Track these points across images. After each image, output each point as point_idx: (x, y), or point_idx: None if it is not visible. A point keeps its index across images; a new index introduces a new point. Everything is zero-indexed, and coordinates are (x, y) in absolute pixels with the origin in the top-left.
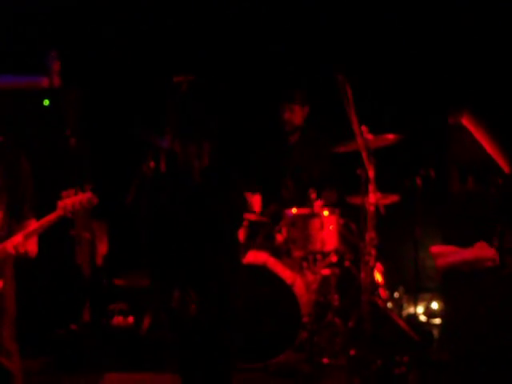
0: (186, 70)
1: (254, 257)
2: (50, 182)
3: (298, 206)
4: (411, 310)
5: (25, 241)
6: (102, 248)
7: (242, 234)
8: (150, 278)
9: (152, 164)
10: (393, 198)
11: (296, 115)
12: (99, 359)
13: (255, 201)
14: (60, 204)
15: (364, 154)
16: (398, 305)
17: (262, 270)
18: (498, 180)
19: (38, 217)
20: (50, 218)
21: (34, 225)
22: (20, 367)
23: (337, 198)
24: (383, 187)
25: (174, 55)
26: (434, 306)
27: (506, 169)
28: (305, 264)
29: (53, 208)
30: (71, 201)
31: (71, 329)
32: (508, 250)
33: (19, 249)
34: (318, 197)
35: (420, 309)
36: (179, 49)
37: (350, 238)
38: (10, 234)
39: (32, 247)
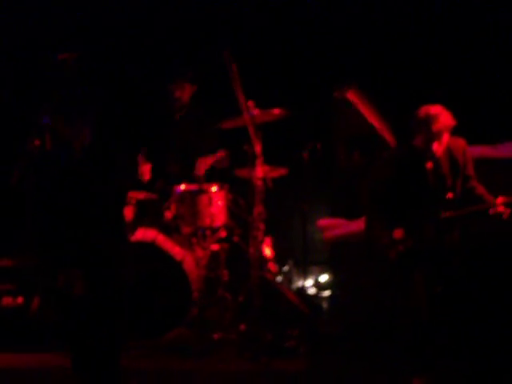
0: (71, 48)
1: (143, 234)
2: None
3: (187, 182)
4: (300, 283)
5: None
6: None
7: (130, 212)
8: (36, 258)
9: (37, 142)
10: (280, 171)
11: (186, 93)
12: None
13: (145, 169)
14: None
15: (251, 129)
16: (288, 278)
17: (151, 247)
18: (383, 153)
19: None
20: None
21: None
22: None
23: (229, 162)
24: (271, 161)
25: (59, 32)
26: (323, 278)
27: (390, 142)
28: (194, 240)
29: None
30: None
31: None
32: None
33: None
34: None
35: (309, 282)
36: (64, 26)
37: (238, 213)
38: None
39: None
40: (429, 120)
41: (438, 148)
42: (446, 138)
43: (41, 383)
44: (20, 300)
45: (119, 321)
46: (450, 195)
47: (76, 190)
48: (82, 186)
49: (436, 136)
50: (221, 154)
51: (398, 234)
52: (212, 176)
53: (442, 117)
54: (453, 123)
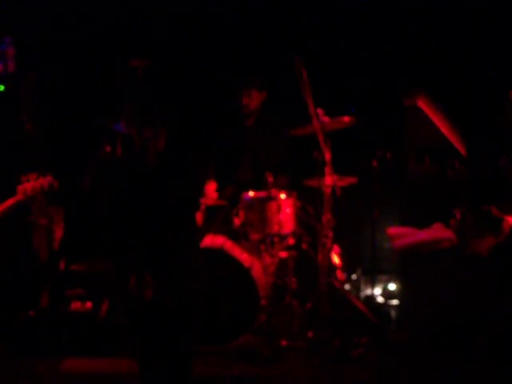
0: (143, 54)
1: (212, 240)
2: (5, 168)
3: (255, 189)
4: (369, 291)
5: None
6: (59, 233)
7: (199, 218)
8: (108, 262)
9: (108, 149)
10: (349, 180)
11: (253, 100)
12: (57, 345)
13: (210, 188)
14: (20, 188)
15: (320, 137)
16: (356, 286)
17: (219, 254)
18: (454, 162)
19: None
20: (10, 202)
21: None
22: None
23: (288, 183)
24: (340, 169)
25: (131, 39)
26: (392, 287)
27: (461, 151)
28: (262, 247)
29: (10, 194)
30: (31, 185)
31: (29, 315)
32: (470, 230)
33: None
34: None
35: (377, 290)
36: (136, 33)
37: (307, 220)
38: None
39: None
40: None
41: None
42: None
43: None
44: (89, 305)
45: (189, 327)
46: None
47: (149, 195)
48: (155, 191)
49: None
50: (280, 176)
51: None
52: (280, 183)
53: None
54: None
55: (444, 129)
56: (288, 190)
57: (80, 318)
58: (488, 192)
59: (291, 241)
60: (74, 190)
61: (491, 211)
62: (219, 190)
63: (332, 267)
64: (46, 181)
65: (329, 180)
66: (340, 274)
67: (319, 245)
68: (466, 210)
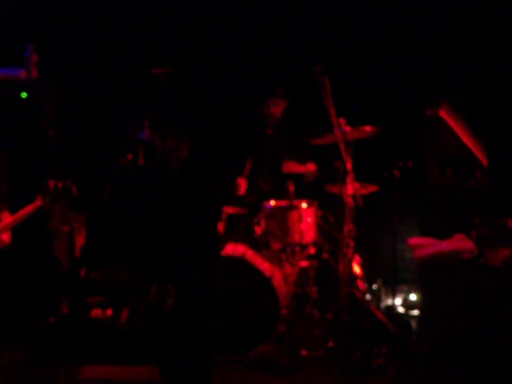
0: (165, 63)
1: (233, 249)
2: (27, 174)
3: (276, 198)
4: (389, 301)
5: (1, 233)
6: (81, 241)
7: (220, 227)
8: (129, 270)
9: (130, 157)
10: (371, 189)
11: (279, 109)
12: (78, 352)
13: (241, 183)
14: (40, 195)
15: (342, 146)
16: (377, 296)
17: (240, 263)
18: (476, 173)
19: (15, 208)
20: (29, 208)
21: (8, 218)
22: None
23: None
24: (361, 179)
25: (153, 47)
26: (412, 297)
27: (483, 162)
28: (283, 256)
29: (30, 200)
30: (51, 192)
31: (49, 321)
32: (486, 242)
33: None
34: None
35: (398, 300)
36: (158, 41)
37: (328, 229)
38: None
39: (5, 237)
40: None
41: None
42: None
43: None
44: (109, 312)
45: (209, 335)
46: None
47: (171, 204)
48: (178, 200)
49: None
50: (310, 167)
51: None
52: (302, 192)
53: None
54: None
55: (466, 139)
56: (309, 199)
57: (100, 326)
58: (507, 203)
59: (312, 250)
60: (96, 198)
61: (507, 224)
62: (248, 189)
63: (353, 277)
64: (64, 188)
65: (350, 189)
66: (361, 284)
67: (340, 254)
68: (482, 222)
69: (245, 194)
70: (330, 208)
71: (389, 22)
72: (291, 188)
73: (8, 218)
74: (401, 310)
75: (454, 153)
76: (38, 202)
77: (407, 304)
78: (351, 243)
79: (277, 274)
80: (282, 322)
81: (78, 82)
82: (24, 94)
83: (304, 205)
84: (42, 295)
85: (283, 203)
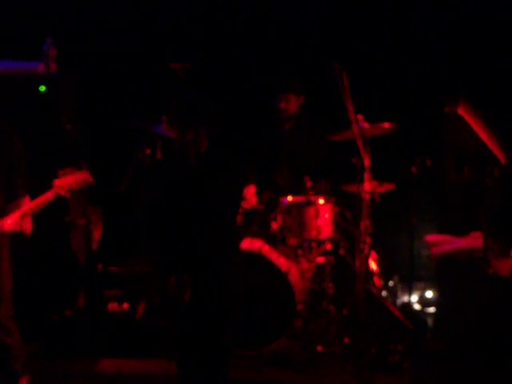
0: (183, 57)
1: (249, 244)
2: (46, 168)
3: (294, 193)
4: (405, 298)
5: (21, 219)
6: (97, 234)
7: (238, 221)
8: (148, 264)
9: (148, 151)
10: (388, 187)
11: (291, 104)
12: (94, 345)
13: (250, 192)
14: (56, 182)
15: (360, 143)
16: (393, 293)
17: (256, 258)
18: (494, 171)
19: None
20: (47, 196)
21: (29, 204)
22: (20, 345)
23: (329, 189)
24: (379, 176)
25: (172, 42)
26: (429, 294)
27: (501, 160)
28: (300, 252)
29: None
30: (67, 180)
31: (66, 315)
32: (493, 252)
33: (16, 227)
34: (314, 185)
35: (414, 297)
36: (176, 35)
37: (344, 226)
38: (4, 212)
39: (27, 225)
40: None
41: None
42: None
43: None
44: (126, 306)
45: (227, 329)
46: None
47: (189, 197)
48: (196, 193)
49: None
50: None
51: None
52: (322, 189)
53: None
54: None
55: (484, 136)
56: (327, 195)
57: (117, 319)
58: None
59: (329, 246)
60: (113, 191)
61: None
62: (258, 194)
63: (369, 273)
64: (81, 175)
65: (368, 186)
66: (377, 281)
67: (357, 251)
68: (487, 233)
69: (256, 200)
70: (347, 204)
71: (408, 17)
72: (308, 184)
73: (28, 204)
74: (417, 307)
75: (472, 150)
76: (56, 190)
77: (423, 301)
78: (368, 240)
79: (293, 270)
80: (298, 317)
81: (96, 77)
82: (42, 88)
83: (321, 201)
84: (58, 289)
85: (300, 199)
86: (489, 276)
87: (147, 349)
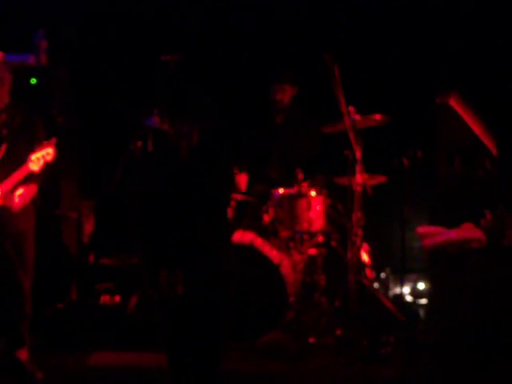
0: (174, 50)
1: (241, 237)
2: None
3: (285, 186)
4: (397, 290)
5: (3, 195)
6: (89, 227)
7: (229, 214)
8: (139, 257)
9: (139, 143)
10: (380, 179)
11: (286, 95)
12: (86, 338)
13: (241, 180)
14: (30, 157)
15: (351, 135)
16: (385, 285)
17: (248, 250)
18: (485, 162)
19: None
20: (21, 172)
21: (7, 180)
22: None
23: (324, 183)
24: (370, 168)
25: (162, 34)
26: (421, 286)
27: (493, 151)
28: (292, 244)
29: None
30: (38, 155)
31: (58, 308)
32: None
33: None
34: (305, 177)
35: (406, 289)
36: (168, 27)
37: (336, 218)
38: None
39: (11, 201)
40: None
41: None
42: None
43: (137, 382)
44: (117, 299)
45: (219, 322)
46: None
47: (180, 190)
48: (187, 186)
49: None
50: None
51: None
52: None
53: None
54: None
55: (476, 128)
56: (319, 187)
57: (109, 312)
58: None
59: (321, 238)
60: (105, 184)
61: None
62: (249, 184)
63: (361, 265)
64: (46, 150)
65: (359, 178)
66: (369, 272)
67: (349, 243)
68: (503, 205)
69: (246, 189)
70: (338, 196)
71: (399, 9)
72: (300, 176)
73: (6, 181)
74: (409, 298)
75: (464, 142)
76: (28, 165)
77: (415, 293)
78: (360, 232)
79: (285, 262)
80: (290, 309)
81: (87, 69)
82: (33, 80)
83: (313, 193)
84: (50, 282)
85: (292, 191)
86: (481, 267)
87: (139, 341)
